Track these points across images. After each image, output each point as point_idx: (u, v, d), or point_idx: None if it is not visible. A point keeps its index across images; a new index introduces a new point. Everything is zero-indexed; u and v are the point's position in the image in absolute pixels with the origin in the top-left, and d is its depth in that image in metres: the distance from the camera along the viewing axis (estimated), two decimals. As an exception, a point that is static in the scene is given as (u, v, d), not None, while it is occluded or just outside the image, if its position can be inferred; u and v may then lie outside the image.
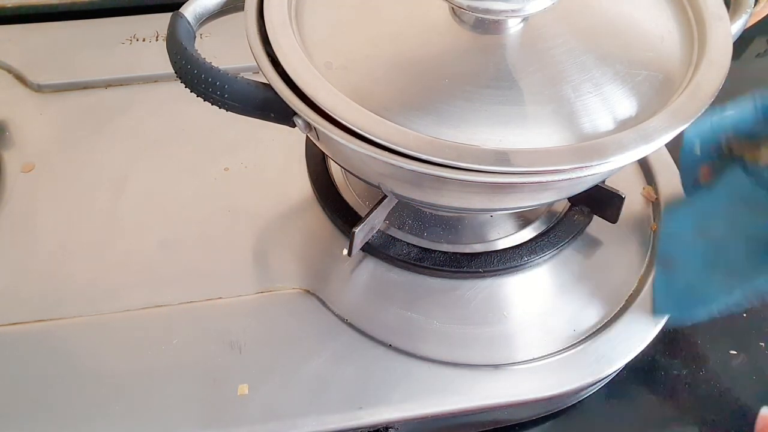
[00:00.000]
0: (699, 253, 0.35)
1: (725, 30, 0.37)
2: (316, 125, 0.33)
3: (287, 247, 0.46)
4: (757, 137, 0.34)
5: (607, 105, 0.34)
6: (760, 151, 0.34)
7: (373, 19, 0.37)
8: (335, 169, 0.49)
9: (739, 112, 0.36)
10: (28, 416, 0.38)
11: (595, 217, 0.46)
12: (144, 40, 0.61)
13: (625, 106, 0.34)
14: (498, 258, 0.44)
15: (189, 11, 0.37)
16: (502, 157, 0.31)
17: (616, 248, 0.47)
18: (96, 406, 0.38)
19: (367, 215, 0.42)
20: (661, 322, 0.42)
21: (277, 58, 0.34)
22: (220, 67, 0.34)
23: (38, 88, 0.57)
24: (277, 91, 0.34)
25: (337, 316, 0.42)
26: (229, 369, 0.40)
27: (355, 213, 0.46)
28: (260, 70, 0.35)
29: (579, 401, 0.43)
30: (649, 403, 0.43)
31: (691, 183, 0.38)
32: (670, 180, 0.50)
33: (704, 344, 0.46)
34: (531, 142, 0.33)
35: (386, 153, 0.31)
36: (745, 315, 0.47)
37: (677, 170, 0.51)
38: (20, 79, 0.57)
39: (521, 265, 0.44)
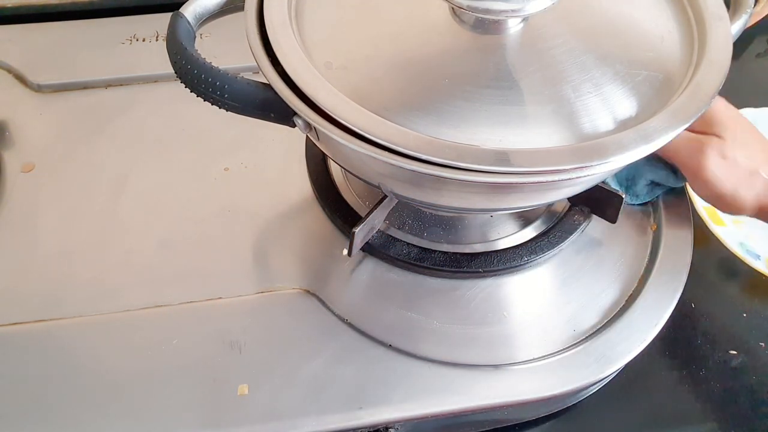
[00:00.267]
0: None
1: (725, 30, 0.37)
2: (316, 125, 0.33)
3: (287, 247, 0.46)
4: None
5: (607, 105, 0.34)
6: None
7: (373, 19, 0.37)
8: (335, 169, 0.49)
9: None
10: (28, 416, 0.38)
11: (595, 217, 0.46)
12: (144, 40, 0.61)
13: (625, 106, 0.34)
14: (498, 258, 0.44)
15: (189, 11, 0.37)
16: (502, 157, 0.31)
17: (616, 248, 0.47)
18: (96, 406, 0.38)
19: (367, 215, 0.42)
20: (661, 323, 0.42)
21: (277, 58, 0.34)
22: (220, 67, 0.34)
23: (38, 88, 0.57)
24: (277, 91, 0.34)
25: (337, 316, 0.42)
26: (229, 369, 0.40)
27: (355, 213, 0.46)
28: (260, 70, 0.35)
29: (579, 401, 0.43)
30: (649, 403, 0.43)
31: None
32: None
33: (704, 344, 0.46)
34: (531, 142, 0.33)
35: (386, 153, 0.31)
36: (745, 315, 0.47)
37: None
38: (20, 79, 0.57)
39: (521, 265, 0.44)
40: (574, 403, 0.43)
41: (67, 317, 0.42)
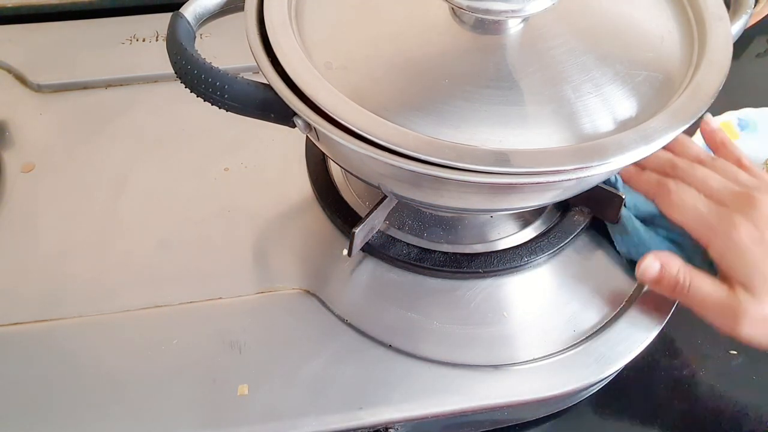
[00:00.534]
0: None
1: (725, 30, 0.37)
2: (315, 125, 0.33)
3: (287, 247, 0.46)
4: None
5: (607, 105, 0.34)
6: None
7: (373, 19, 0.37)
8: (335, 170, 0.49)
9: None
10: (28, 416, 0.38)
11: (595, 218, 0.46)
12: (144, 40, 0.61)
13: (625, 106, 0.34)
14: (498, 258, 0.44)
15: (189, 11, 0.37)
16: (502, 157, 0.31)
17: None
18: (96, 406, 0.38)
19: (367, 215, 0.42)
20: (661, 323, 0.42)
21: (277, 58, 0.34)
22: (220, 68, 0.34)
23: (38, 88, 0.57)
24: (277, 91, 0.34)
25: (337, 316, 0.42)
26: (229, 369, 0.40)
27: (355, 213, 0.46)
28: (260, 70, 0.35)
29: (579, 401, 0.43)
30: (650, 403, 0.43)
31: None
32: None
33: (704, 344, 0.46)
34: (531, 142, 0.33)
35: (385, 153, 0.31)
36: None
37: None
38: (20, 79, 0.57)
39: (521, 265, 0.44)
40: (575, 403, 0.43)
41: (66, 317, 0.42)
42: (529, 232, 0.46)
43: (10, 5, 0.62)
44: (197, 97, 0.35)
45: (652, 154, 0.32)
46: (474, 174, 0.31)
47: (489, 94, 0.33)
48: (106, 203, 0.48)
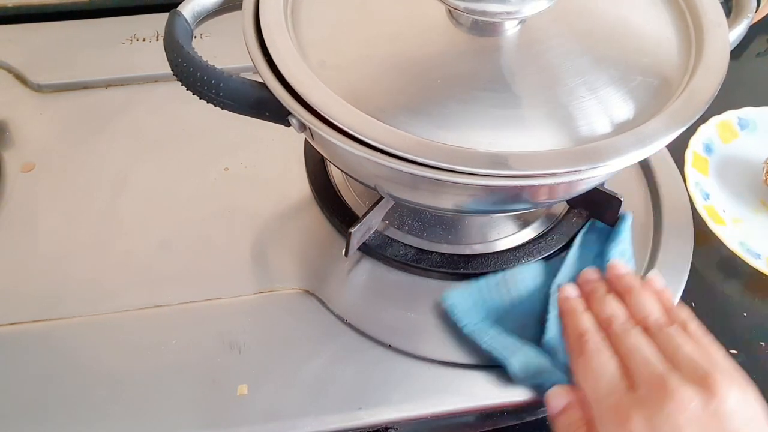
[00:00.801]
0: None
1: (723, 36, 0.37)
2: (309, 125, 0.33)
3: (287, 247, 0.46)
4: None
5: (603, 109, 0.34)
6: None
7: (369, 20, 0.37)
8: (334, 170, 0.49)
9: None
10: (28, 416, 0.38)
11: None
12: (144, 40, 0.61)
13: (620, 110, 0.34)
14: (495, 260, 0.44)
15: (187, 10, 0.37)
16: (495, 159, 0.31)
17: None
18: (96, 406, 0.38)
19: (364, 216, 0.42)
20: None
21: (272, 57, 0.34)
22: (219, 67, 0.34)
23: (38, 88, 0.57)
24: (272, 90, 0.34)
25: (337, 316, 0.42)
26: (228, 369, 0.40)
27: (354, 213, 0.46)
28: (255, 68, 0.35)
29: (579, 401, 0.43)
30: (649, 403, 0.43)
31: None
32: (670, 181, 0.50)
33: (704, 344, 0.46)
34: (525, 145, 0.33)
35: (378, 154, 0.31)
36: (745, 315, 0.47)
37: (678, 172, 0.51)
38: (20, 79, 0.57)
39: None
40: (574, 403, 0.43)
41: (66, 317, 0.42)
42: (528, 233, 0.46)
43: (10, 5, 0.62)
44: (193, 95, 0.35)
45: (647, 156, 0.32)
46: (466, 176, 0.31)
47: (484, 97, 0.33)
48: (105, 203, 0.48)
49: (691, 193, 0.50)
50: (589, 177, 0.32)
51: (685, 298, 0.44)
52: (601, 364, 0.33)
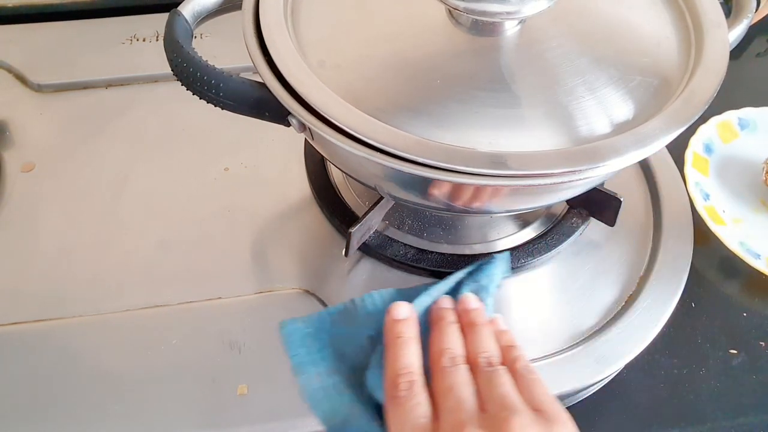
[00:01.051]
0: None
1: (723, 37, 0.37)
2: (309, 125, 0.33)
3: (287, 247, 0.46)
4: None
5: (602, 109, 0.34)
6: None
7: (369, 20, 0.37)
8: (334, 170, 0.49)
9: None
10: (28, 416, 0.38)
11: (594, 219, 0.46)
12: (144, 40, 0.61)
13: (620, 110, 0.34)
14: (495, 259, 0.44)
15: (187, 9, 0.37)
16: (493, 159, 0.31)
17: (616, 249, 0.47)
18: (96, 406, 0.38)
19: (364, 216, 0.42)
20: (661, 323, 0.42)
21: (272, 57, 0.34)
22: (219, 67, 0.34)
23: (38, 88, 0.57)
24: (271, 89, 0.34)
25: (337, 316, 0.42)
26: (228, 369, 0.40)
27: (354, 213, 0.46)
28: (255, 68, 0.35)
29: (579, 401, 0.43)
30: (649, 403, 0.43)
31: None
32: (670, 181, 0.50)
33: (704, 344, 0.46)
34: (525, 145, 0.33)
35: (376, 153, 0.31)
36: (745, 314, 0.47)
37: (678, 172, 0.51)
38: (20, 79, 0.57)
39: (518, 267, 0.44)
40: (574, 403, 0.43)
41: (67, 317, 0.42)
42: (528, 233, 0.46)
43: (10, 5, 0.62)
44: (193, 95, 0.35)
45: (647, 156, 0.32)
46: (466, 176, 0.31)
47: (483, 96, 0.33)
48: (106, 203, 0.48)
49: (691, 193, 0.50)
50: (589, 177, 0.32)
51: (685, 298, 0.44)
52: (409, 410, 0.31)
